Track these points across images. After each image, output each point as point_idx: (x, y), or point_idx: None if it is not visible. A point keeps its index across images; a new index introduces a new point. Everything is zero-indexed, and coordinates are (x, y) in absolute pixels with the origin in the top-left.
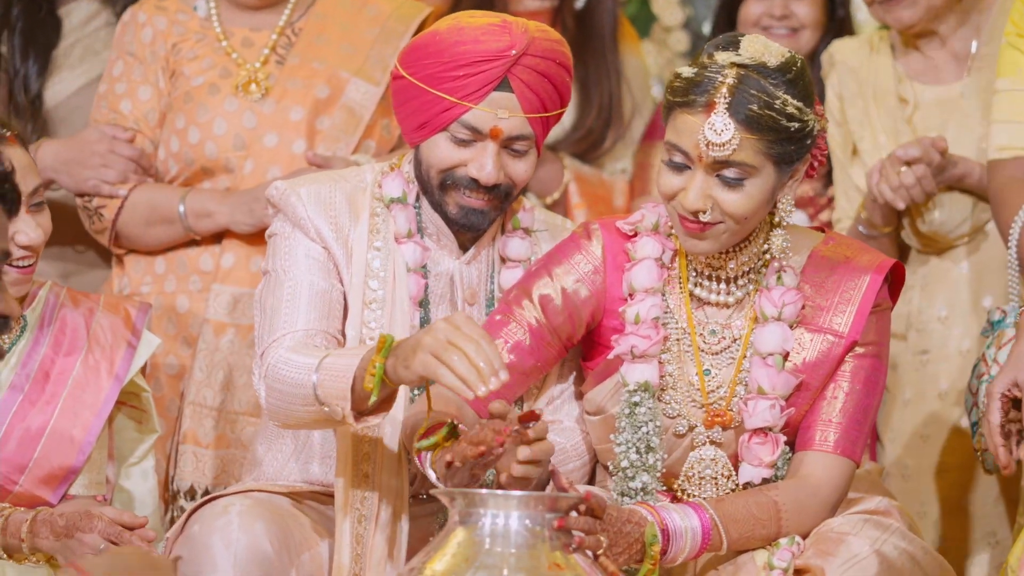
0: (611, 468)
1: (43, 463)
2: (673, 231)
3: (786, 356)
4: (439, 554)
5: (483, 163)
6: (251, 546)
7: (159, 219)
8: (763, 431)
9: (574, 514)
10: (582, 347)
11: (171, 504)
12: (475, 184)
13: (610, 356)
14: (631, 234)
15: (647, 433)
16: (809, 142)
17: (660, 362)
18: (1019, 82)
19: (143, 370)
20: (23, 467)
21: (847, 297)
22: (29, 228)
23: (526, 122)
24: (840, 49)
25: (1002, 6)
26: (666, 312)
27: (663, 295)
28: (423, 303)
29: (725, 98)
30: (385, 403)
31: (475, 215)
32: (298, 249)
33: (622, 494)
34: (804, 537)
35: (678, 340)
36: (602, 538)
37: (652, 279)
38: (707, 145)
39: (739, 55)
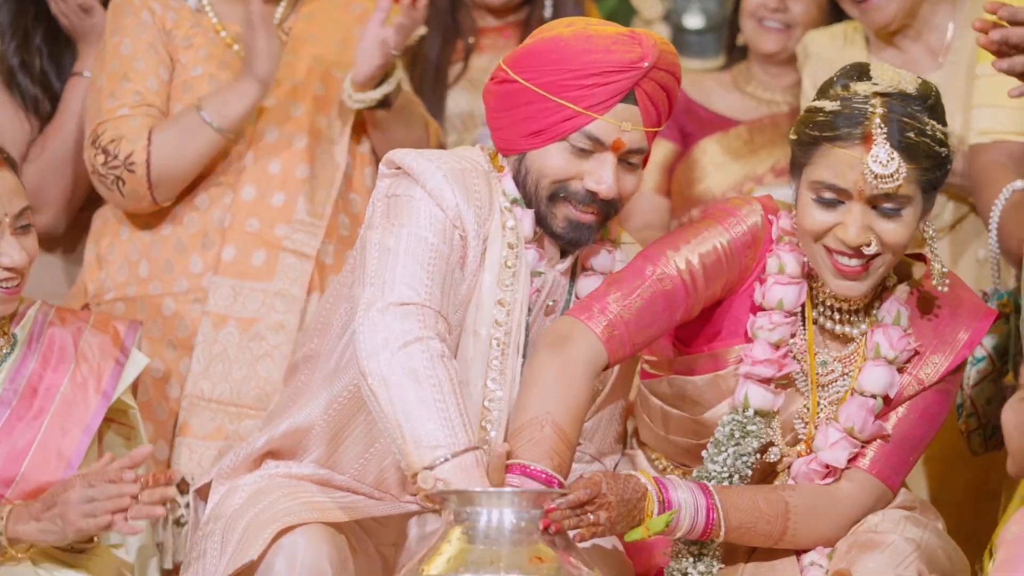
0: (695, 475)
1: (30, 478)
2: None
3: (886, 400)
4: (436, 554)
5: (602, 176)
6: (314, 569)
7: (189, 136)
8: (831, 469)
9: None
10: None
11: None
12: (590, 198)
13: (739, 371)
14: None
15: (746, 463)
16: (949, 167)
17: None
18: None
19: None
20: (10, 481)
21: (943, 349)
22: (13, 250)
23: (644, 135)
24: (814, 40)
25: None
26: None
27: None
28: (529, 309)
29: (882, 128)
30: None
31: (583, 229)
32: (432, 220)
33: None
34: (809, 547)
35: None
36: (601, 514)
37: (793, 302)
38: (875, 178)
39: (877, 84)
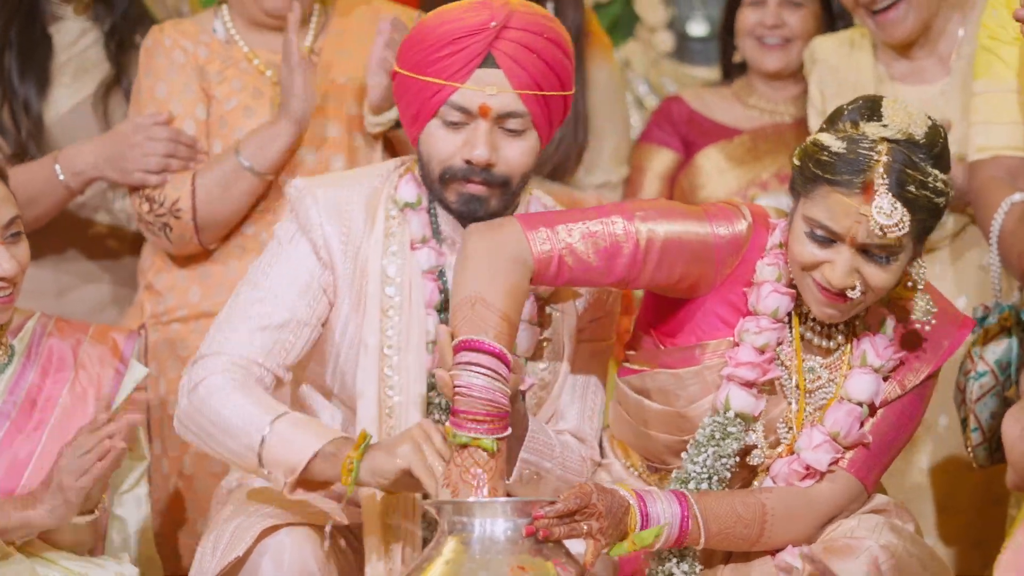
0: (674, 476)
1: (31, 489)
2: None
3: (870, 407)
4: (430, 564)
5: (474, 142)
6: (301, 569)
7: (231, 182)
8: (811, 470)
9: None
10: (662, 316)
11: None
12: (471, 170)
13: (723, 373)
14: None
15: (725, 465)
16: (944, 212)
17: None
18: (993, 84)
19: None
20: (11, 493)
21: (927, 357)
22: (4, 260)
23: (517, 98)
24: (821, 47)
25: (985, 3)
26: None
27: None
28: (439, 308)
29: (884, 179)
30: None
31: (475, 202)
32: (292, 263)
33: None
34: (782, 547)
35: (777, 378)
36: (593, 523)
37: (786, 310)
38: (880, 228)
39: (886, 127)
